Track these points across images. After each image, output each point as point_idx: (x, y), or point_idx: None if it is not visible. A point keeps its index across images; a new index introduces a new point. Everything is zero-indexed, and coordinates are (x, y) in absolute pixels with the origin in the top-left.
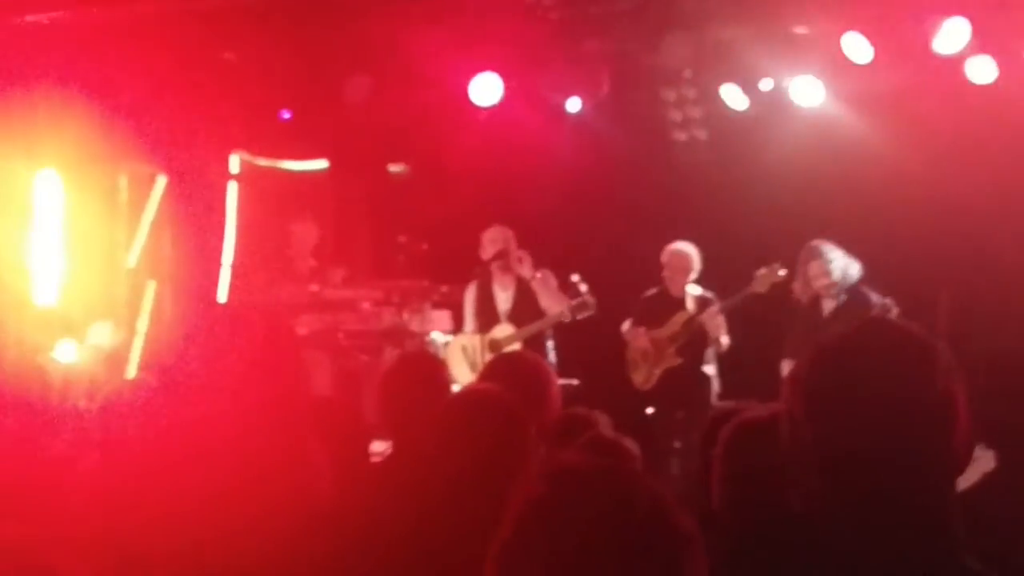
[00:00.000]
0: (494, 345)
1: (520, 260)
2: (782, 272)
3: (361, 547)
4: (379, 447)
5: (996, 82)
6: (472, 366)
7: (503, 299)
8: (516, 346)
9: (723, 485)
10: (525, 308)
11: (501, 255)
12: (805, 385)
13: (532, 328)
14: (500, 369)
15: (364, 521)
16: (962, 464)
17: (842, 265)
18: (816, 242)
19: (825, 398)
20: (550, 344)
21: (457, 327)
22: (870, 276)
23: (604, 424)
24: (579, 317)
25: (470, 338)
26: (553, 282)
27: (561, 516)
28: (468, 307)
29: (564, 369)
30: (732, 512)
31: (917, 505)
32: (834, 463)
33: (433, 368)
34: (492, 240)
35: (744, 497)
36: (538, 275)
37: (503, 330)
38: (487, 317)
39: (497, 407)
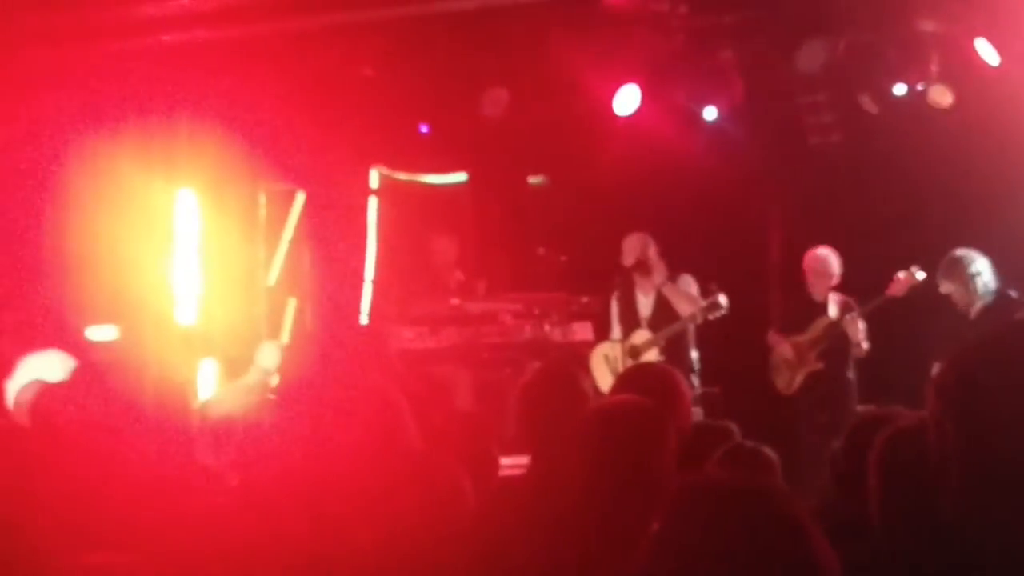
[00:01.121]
0: (633, 351)
1: (652, 268)
2: (920, 275)
3: (501, 563)
4: (509, 461)
5: None
6: (614, 374)
7: (644, 305)
8: (655, 350)
9: (880, 494)
10: (666, 313)
11: (641, 262)
12: (947, 390)
13: (668, 332)
14: (632, 380)
15: (504, 537)
16: None
17: (987, 271)
18: (959, 252)
19: (967, 403)
20: (694, 353)
21: (599, 336)
22: (1010, 278)
23: (735, 434)
24: (711, 317)
25: (611, 346)
26: (693, 287)
27: (696, 538)
28: (613, 314)
29: (707, 376)
30: (890, 521)
31: None
32: (979, 469)
33: (573, 379)
34: (631, 247)
35: (902, 506)
36: (669, 282)
37: (641, 335)
38: (629, 323)
39: (637, 417)
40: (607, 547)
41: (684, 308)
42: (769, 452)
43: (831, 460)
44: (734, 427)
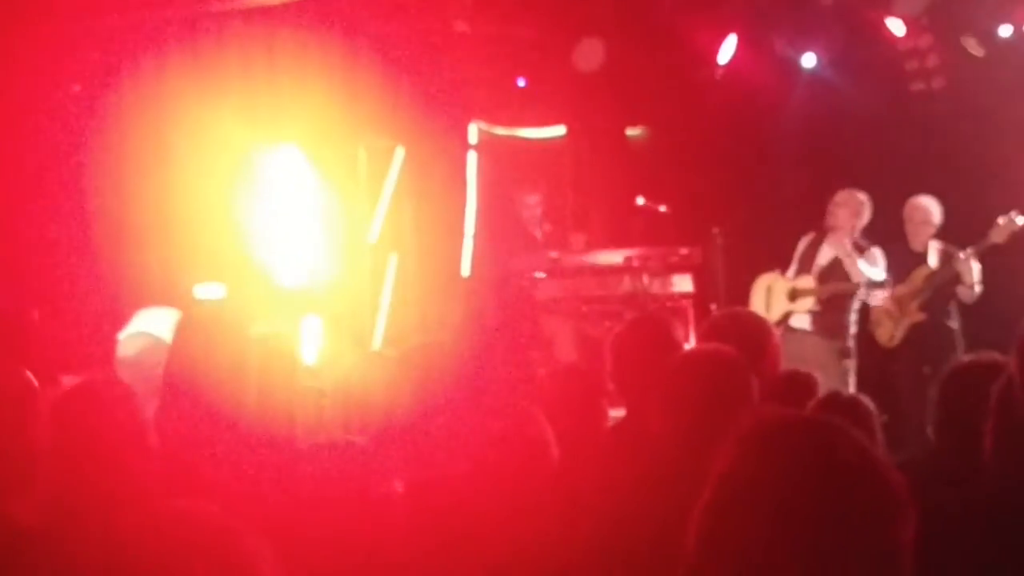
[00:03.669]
0: (793, 293)
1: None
2: (1020, 220)
3: (593, 512)
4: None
5: None
6: (767, 307)
7: (824, 254)
8: (811, 300)
9: (995, 439)
10: (840, 271)
11: (842, 222)
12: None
13: (829, 288)
14: (720, 326)
15: (596, 486)
16: None
17: None
18: None
19: None
20: (852, 315)
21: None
22: None
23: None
24: (870, 294)
25: (776, 279)
26: (880, 261)
27: (763, 472)
28: (797, 252)
29: None
30: (1005, 464)
31: None
32: None
33: (663, 330)
34: (839, 205)
35: (1017, 451)
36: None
37: (806, 281)
38: (804, 265)
39: (722, 365)
40: (692, 497)
41: (856, 274)
42: (866, 400)
43: (929, 408)
44: (816, 377)
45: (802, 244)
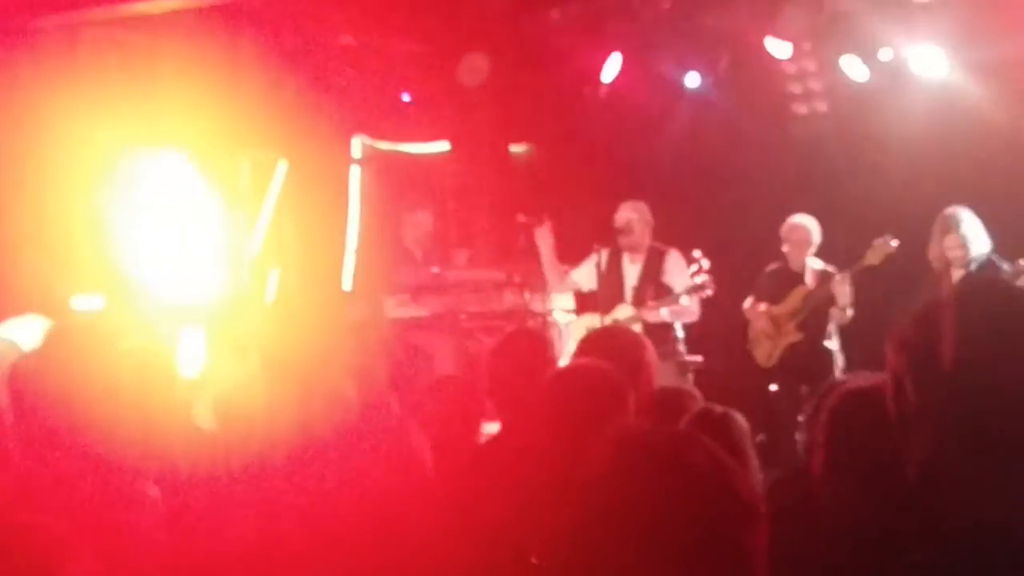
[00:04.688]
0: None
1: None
2: (894, 243)
3: (467, 523)
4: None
5: None
6: None
7: (631, 274)
8: (637, 326)
9: (825, 451)
10: (651, 283)
11: (632, 230)
12: (909, 344)
13: (650, 310)
14: (596, 342)
15: (471, 498)
16: None
17: (979, 235)
18: (953, 210)
19: (928, 356)
20: (678, 329)
21: (580, 306)
22: (995, 247)
23: (699, 399)
24: (692, 298)
25: (593, 319)
26: (682, 263)
27: (622, 480)
28: (591, 275)
29: (689, 346)
30: (833, 479)
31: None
32: (938, 426)
33: (539, 345)
34: (625, 214)
35: (846, 464)
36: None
37: (624, 311)
38: (613, 290)
39: (598, 380)
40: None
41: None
42: (739, 417)
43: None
44: (697, 393)
45: (599, 268)
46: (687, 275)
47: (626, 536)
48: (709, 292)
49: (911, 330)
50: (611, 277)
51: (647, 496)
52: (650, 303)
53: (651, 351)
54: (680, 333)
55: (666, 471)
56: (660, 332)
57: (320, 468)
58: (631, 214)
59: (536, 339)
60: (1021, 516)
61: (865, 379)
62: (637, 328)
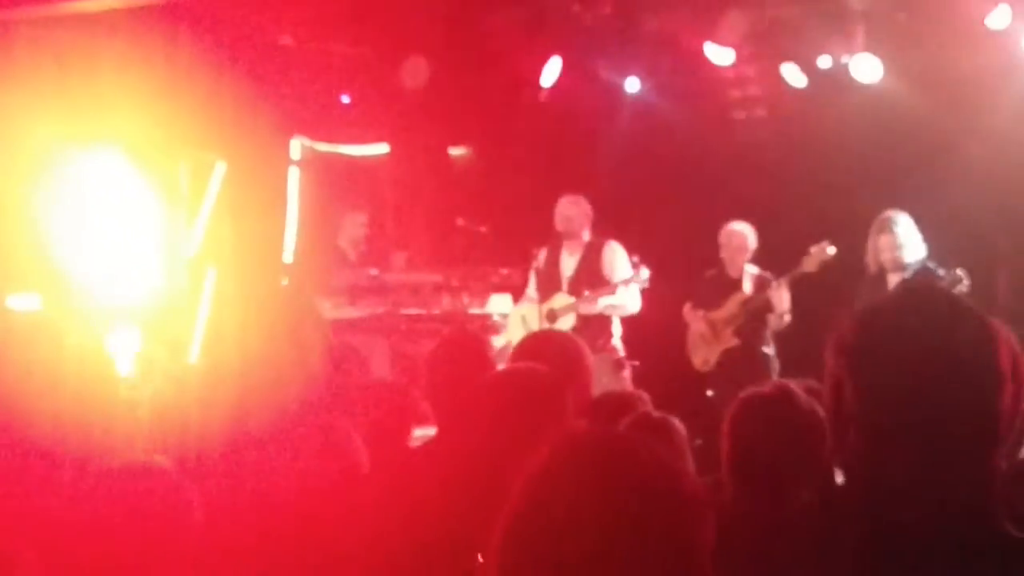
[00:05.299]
0: (551, 315)
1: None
2: (831, 250)
3: (403, 526)
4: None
5: None
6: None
7: (568, 265)
8: (572, 316)
9: (729, 459)
10: (589, 277)
11: (571, 225)
12: (849, 346)
13: (586, 300)
14: (533, 345)
15: (407, 500)
16: (1006, 432)
17: (915, 240)
18: (891, 213)
19: (868, 359)
20: (616, 325)
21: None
22: (931, 253)
23: (645, 402)
24: (631, 287)
25: (529, 307)
26: (620, 255)
27: (564, 483)
28: (533, 271)
29: (628, 351)
30: (738, 486)
31: (956, 470)
32: (874, 426)
33: (477, 348)
34: (564, 209)
35: (748, 471)
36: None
37: (561, 300)
38: (550, 282)
39: (537, 384)
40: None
41: (608, 274)
42: (676, 422)
43: None
44: (645, 396)
45: (539, 261)
46: (626, 266)
47: (574, 536)
48: (646, 283)
49: (851, 333)
50: (549, 268)
51: (595, 496)
52: (586, 293)
53: (589, 355)
54: (617, 330)
55: (613, 471)
56: (596, 325)
57: (255, 467)
58: (570, 208)
59: (474, 342)
60: (953, 515)
61: (767, 386)
62: (573, 318)
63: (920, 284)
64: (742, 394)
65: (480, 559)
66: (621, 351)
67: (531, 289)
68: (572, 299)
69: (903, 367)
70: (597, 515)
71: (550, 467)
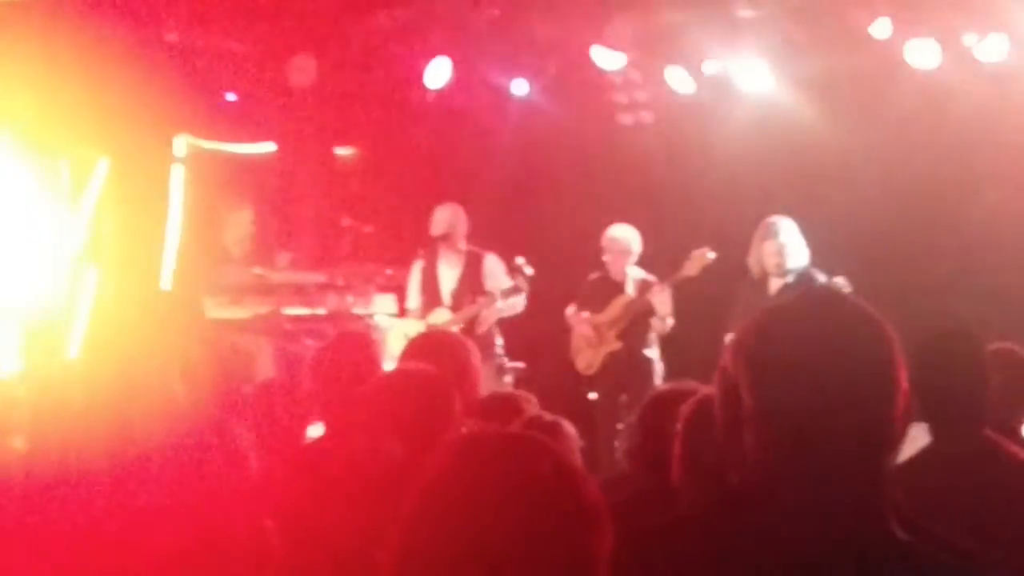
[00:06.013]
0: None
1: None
2: (712, 255)
3: (292, 527)
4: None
5: (939, 67)
6: None
7: (448, 278)
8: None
9: (683, 462)
10: (470, 288)
11: (448, 233)
12: (747, 350)
13: (468, 313)
14: (421, 346)
15: (295, 501)
16: (899, 436)
17: (798, 245)
18: (775, 219)
19: (767, 363)
20: (495, 329)
21: (403, 309)
22: (813, 259)
23: (533, 405)
24: (514, 299)
25: (411, 324)
26: (499, 267)
27: (463, 484)
28: (413, 284)
29: (511, 353)
30: (692, 488)
31: (851, 474)
32: (772, 429)
33: (364, 349)
34: (443, 218)
35: (704, 473)
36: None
37: (441, 315)
38: (430, 295)
39: (422, 385)
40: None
41: (489, 284)
42: (568, 425)
43: (627, 434)
44: (532, 398)
45: (417, 274)
46: (505, 277)
47: (475, 537)
48: (525, 292)
49: (752, 337)
50: (428, 281)
51: (491, 500)
52: (467, 307)
53: (476, 355)
54: (499, 339)
55: (510, 474)
56: (479, 336)
57: (142, 470)
58: (447, 218)
59: (361, 343)
60: (845, 523)
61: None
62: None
63: (821, 289)
64: (695, 396)
65: (376, 559)
66: (504, 358)
67: (411, 301)
68: (451, 315)
69: (803, 373)
70: (499, 516)
71: (451, 468)
